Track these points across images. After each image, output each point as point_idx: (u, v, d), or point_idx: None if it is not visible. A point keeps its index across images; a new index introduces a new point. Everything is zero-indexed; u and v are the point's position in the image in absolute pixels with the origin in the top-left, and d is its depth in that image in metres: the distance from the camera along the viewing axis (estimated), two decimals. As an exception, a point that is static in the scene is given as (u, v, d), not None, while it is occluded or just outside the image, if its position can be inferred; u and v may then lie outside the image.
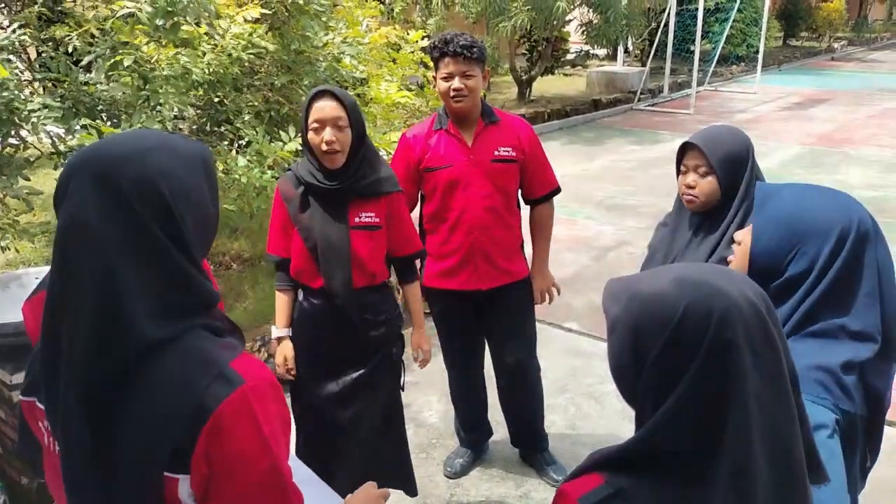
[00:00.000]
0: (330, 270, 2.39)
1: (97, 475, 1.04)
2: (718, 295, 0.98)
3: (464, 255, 2.84)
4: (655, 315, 1.00)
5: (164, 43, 3.65)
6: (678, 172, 2.15)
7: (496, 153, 2.79)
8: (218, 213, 1.20)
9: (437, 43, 2.70)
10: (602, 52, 16.21)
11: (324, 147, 2.28)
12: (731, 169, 2.02)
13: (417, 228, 2.99)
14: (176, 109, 4.32)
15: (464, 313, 3.01)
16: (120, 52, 3.53)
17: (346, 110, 2.29)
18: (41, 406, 1.14)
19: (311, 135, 2.31)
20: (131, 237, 1.02)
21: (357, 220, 2.41)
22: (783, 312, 1.40)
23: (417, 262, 2.75)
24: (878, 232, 1.41)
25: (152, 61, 3.61)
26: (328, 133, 2.27)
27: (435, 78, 2.77)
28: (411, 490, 2.76)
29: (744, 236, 1.50)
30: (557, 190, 3.02)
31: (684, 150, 2.12)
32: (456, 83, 2.68)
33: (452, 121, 2.81)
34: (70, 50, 4.05)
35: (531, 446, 3.28)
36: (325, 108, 2.28)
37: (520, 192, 2.96)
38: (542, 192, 2.97)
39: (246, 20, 3.62)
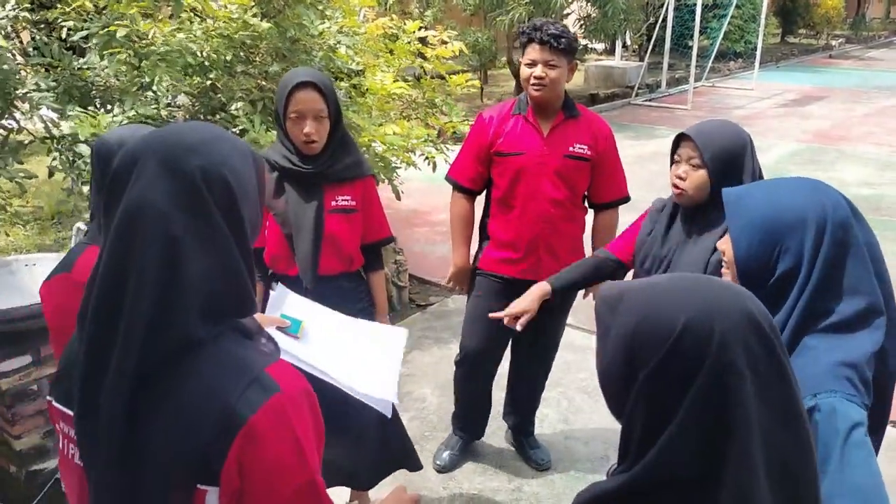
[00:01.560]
0: (301, 253, 2.36)
1: (123, 477, 0.99)
2: (721, 312, 0.92)
3: (527, 246, 2.79)
4: (652, 328, 0.94)
5: (160, 18, 3.60)
6: (671, 162, 2.13)
7: (571, 149, 2.74)
8: (263, 211, 1.17)
9: (526, 28, 2.65)
10: (600, 46, 16.18)
11: (303, 139, 2.27)
12: (723, 165, 1.98)
13: (481, 212, 2.98)
14: (170, 97, 4.29)
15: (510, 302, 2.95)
16: (113, 24, 3.48)
17: (325, 101, 2.27)
18: (61, 408, 1.10)
19: (289, 124, 2.28)
20: (198, 224, 0.99)
21: (334, 203, 2.39)
22: (785, 310, 1.37)
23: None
24: (857, 212, 1.40)
25: (148, 37, 3.56)
26: (309, 126, 2.26)
27: (519, 63, 2.72)
28: (415, 465, 2.73)
29: (726, 245, 1.47)
30: (626, 199, 2.95)
31: (679, 140, 2.10)
32: (538, 71, 2.62)
33: (532, 108, 2.75)
34: (64, 36, 4.02)
35: (520, 427, 3.31)
36: (308, 100, 2.25)
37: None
38: (609, 198, 2.91)
39: None
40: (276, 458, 0.99)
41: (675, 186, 2.08)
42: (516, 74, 12.12)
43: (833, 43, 22.55)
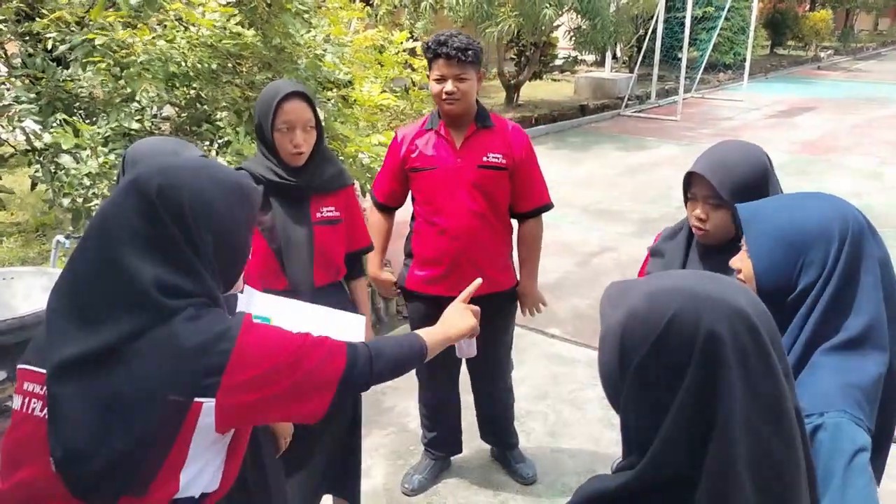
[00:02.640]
0: (292, 269, 2.35)
1: (97, 418, 1.17)
2: (709, 305, 0.92)
3: (450, 262, 2.76)
4: (641, 320, 0.95)
5: (138, 26, 3.58)
6: (685, 200, 1.91)
7: (484, 159, 2.70)
8: (247, 248, 1.39)
9: (431, 43, 2.60)
10: (590, 57, 16.24)
11: (292, 150, 2.26)
12: (746, 199, 1.75)
13: (408, 230, 2.96)
14: (156, 108, 4.27)
15: None
16: (92, 33, 3.46)
17: (313, 111, 2.28)
18: (36, 369, 1.26)
19: (277, 136, 2.26)
20: (152, 231, 1.22)
21: (319, 214, 2.38)
22: (797, 323, 1.35)
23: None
24: (871, 226, 1.38)
25: (127, 46, 3.53)
26: (299, 136, 2.25)
27: (428, 77, 2.69)
28: (355, 501, 2.69)
29: (742, 262, 1.43)
30: (548, 206, 2.90)
31: (690, 176, 1.86)
32: (448, 86, 2.59)
33: (444, 122, 2.72)
34: (49, 47, 4.00)
35: (501, 443, 3.26)
36: (297, 110, 2.24)
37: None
38: (529, 206, 2.86)
39: (219, 4, 3.56)
40: (271, 340, 1.29)
41: (697, 228, 1.87)
42: (507, 85, 12.16)
43: (822, 54, 22.73)
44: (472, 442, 3.32)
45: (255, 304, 1.89)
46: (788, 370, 0.95)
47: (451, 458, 3.30)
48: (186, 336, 1.20)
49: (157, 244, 1.22)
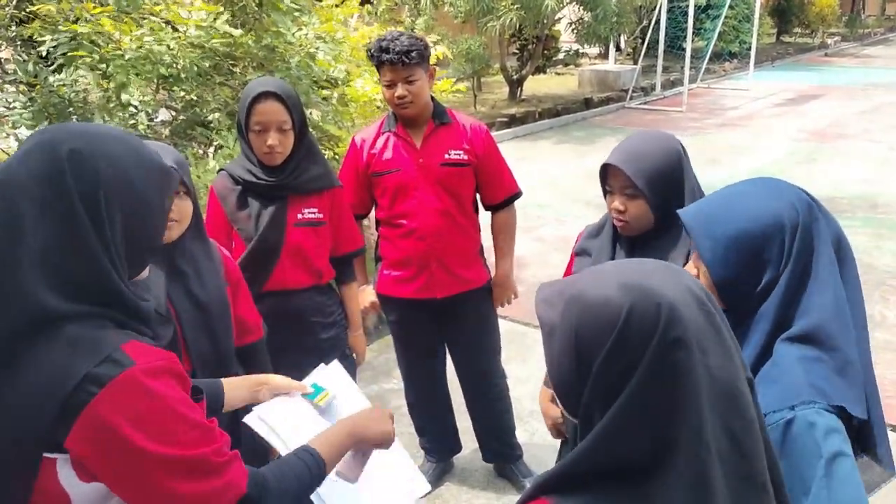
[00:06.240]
0: (268, 269, 2.32)
1: None
2: (662, 292, 0.91)
3: (418, 263, 2.71)
4: (598, 318, 0.92)
5: (123, 20, 3.54)
6: (604, 193, 1.91)
7: (446, 156, 2.67)
8: (159, 235, 1.19)
9: (373, 51, 2.54)
10: (594, 50, 16.15)
11: (265, 150, 2.24)
12: (661, 188, 1.79)
13: (375, 235, 2.90)
14: (152, 111, 4.23)
15: (421, 322, 2.88)
16: (77, 27, 3.43)
17: (289, 112, 2.23)
18: None
19: (252, 136, 2.24)
20: (51, 198, 1.02)
21: (300, 216, 2.35)
22: (762, 313, 1.33)
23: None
24: (817, 203, 1.36)
25: (115, 41, 3.49)
26: (272, 138, 2.22)
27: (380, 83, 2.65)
28: None
29: (696, 268, 1.40)
30: (517, 195, 2.87)
31: (606, 169, 1.87)
32: (399, 90, 2.54)
33: (401, 122, 2.68)
34: (45, 53, 3.97)
35: (503, 459, 3.15)
36: (270, 111, 2.20)
37: (478, 197, 2.84)
38: (500, 197, 2.83)
39: (204, 2, 3.51)
40: (130, 432, 1.01)
41: (617, 220, 1.88)
42: (510, 80, 12.08)
43: (828, 41, 22.50)
44: (476, 443, 3.26)
45: (327, 377, 1.65)
46: (736, 343, 0.96)
47: (454, 459, 3.25)
48: (43, 374, 1.01)
49: (56, 223, 1.02)
